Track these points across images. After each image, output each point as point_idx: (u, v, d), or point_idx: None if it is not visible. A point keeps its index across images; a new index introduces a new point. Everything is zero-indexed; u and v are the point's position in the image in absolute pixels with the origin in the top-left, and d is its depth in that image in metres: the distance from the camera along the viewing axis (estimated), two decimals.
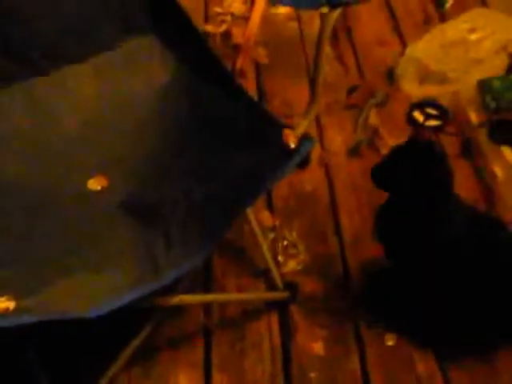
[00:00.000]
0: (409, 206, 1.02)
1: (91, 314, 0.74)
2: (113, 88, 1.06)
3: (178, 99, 1.05)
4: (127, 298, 0.77)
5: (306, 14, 1.82)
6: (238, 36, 1.73)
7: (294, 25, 1.79)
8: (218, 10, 1.83)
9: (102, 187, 0.96)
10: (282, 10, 1.83)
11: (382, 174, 1.04)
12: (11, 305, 0.71)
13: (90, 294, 0.78)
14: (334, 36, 1.75)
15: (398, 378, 1.09)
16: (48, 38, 1.00)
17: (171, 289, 0.97)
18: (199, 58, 1.07)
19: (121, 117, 1.04)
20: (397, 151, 1.02)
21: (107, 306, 0.75)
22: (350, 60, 1.68)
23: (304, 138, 0.86)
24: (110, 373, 1.02)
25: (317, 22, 1.77)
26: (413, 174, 0.98)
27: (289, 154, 0.86)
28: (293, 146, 0.87)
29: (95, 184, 0.97)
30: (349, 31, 1.77)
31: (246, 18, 1.78)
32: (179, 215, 0.89)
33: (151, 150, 1.01)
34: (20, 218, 0.87)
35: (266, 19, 1.77)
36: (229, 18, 1.81)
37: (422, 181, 0.98)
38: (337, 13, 0.81)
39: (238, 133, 0.95)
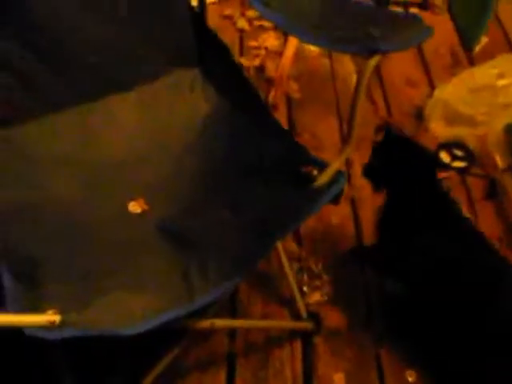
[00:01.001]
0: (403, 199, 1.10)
1: (129, 332, 0.77)
2: (156, 116, 1.11)
3: (218, 131, 1.10)
4: (164, 318, 0.80)
5: (337, 52, 1.88)
6: (271, 70, 1.79)
7: (326, 61, 1.85)
8: (253, 44, 1.90)
9: (143, 210, 1.00)
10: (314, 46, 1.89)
11: (371, 172, 1.15)
12: (57, 318, 0.75)
13: (128, 312, 0.81)
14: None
15: None
16: (98, 66, 1.06)
17: (201, 312, 1.00)
18: (239, 92, 1.12)
19: (162, 144, 1.08)
20: (377, 147, 1.14)
21: (144, 326, 0.78)
22: (379, 98, 1.72)
23: (338, 176, 0.90)
24: None
25: (347, 60, 1.86)
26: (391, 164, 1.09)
27: (322, 190, 0.90)
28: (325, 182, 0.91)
29: (136, 206, 1.01)
30: (378, 70, 1.82)
31: (279, 53, 1.85)
32: (214, 242, 0.92)
33: (190, 179, 1.05)
34: (67, 236, 0.92)
35: (299, 55, 1.84)
36: (263, 52, 1.88)
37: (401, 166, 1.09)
38: (375, 60, 0.85)
39: (275, 168, 0.99)
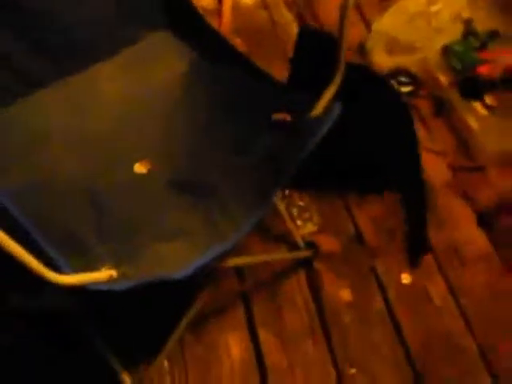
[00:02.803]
0: None
1: (181, 274, 0.83)
2: (137, 80, 1.14)
3: (200, 83, 1.14)
4: (208, 257, 0.87)
5: (272, 2, 1.94)
6: None
7: (263, 12, 1.91)
8: None
9: (149, 170, 1.04)
10: None
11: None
12: (114, 273, 0.80)
13: (173, 259, 0.87)
14: (302, 20, 1.89)
15: (418, 309, 1.25)
16: (79, 38, 1.07)
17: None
18: (212, 46, 1.16)
19: (150, 105, 1.11)
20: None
21: (193, 267, 0.85)
22: None
23: (332, 104, 0.98)
24: (170, 343, 1.10)
25: (284, 9, 1.93)
26: None
27: (320, 119, 0.98)
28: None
29: (141, 167, 1.04)
30: (316, 16, 1.90)
31: (215, 11, 1.89)
32: (229, 184, 0.99)
33: (185, 132, 1.09)
34: (88, 204, 0.95)
35: (235, 10, 1.88)
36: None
37: None
38: None
39: (267, 106, 1.06)
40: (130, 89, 1.12)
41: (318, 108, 0.99)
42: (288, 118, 1.02)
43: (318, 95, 1.00)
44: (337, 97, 1.00)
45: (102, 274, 0.78)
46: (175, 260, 0.88)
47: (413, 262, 1.30)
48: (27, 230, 0.86)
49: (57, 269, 0.78)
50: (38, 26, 1.04)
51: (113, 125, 1.08)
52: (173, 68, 1.16)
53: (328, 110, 0.99)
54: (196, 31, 1.17)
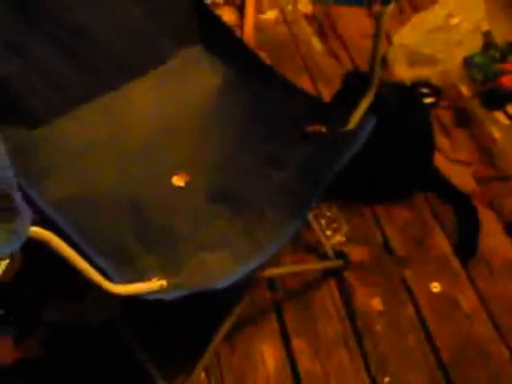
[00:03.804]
0: None
1: (223, 284, 0.86)
2: (171, 96, 1.17)
3: (233, 97, 1.17)
4: (249, 267, 0.89)
5: (291, 17, 1.98)
6: None
7: (284, 28, 1.95)
8: None
9: (186, 182, 1.07)
10: (271, 15, 1.98)
11: None
12: (164, 283, 0.82)
13: (216, 268, 0.89)
14: (323, 33, 1.92)
15: (448, 316, 1.26)
16: (115, 55, 1.10)
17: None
18: (243, 60, 1.19)
19: (185, 120, 1.14)
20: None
21: (234, 277, 0.87)
22: (342, 54, 1.85)
23: (367, 116, 1.01)
24: (207, 354, 1.12)
25: (304, 24, 1.97)
26: None
27: (356, 131, 1.01)
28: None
29: (179, 180, 1.07)
30: (335, 29, 1.94)
31: (238, 26, 1.93)
32: (266, 197, 1.01)
33: (220, 145, 1.12)
34: (130, 216, 0.97)
35: (256, 26, 1.93)
36: None
37: None
38: (390, 8, 0.96)
39: (301, 119, 1.08)
40: (164, 104, 1.16)
41: (353, 121, 1.02)
42: (323, 129, 1.04)
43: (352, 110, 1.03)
44: (371, 111, 1.03)
45: (154, 284, 0.81)
46: (219, 269, 0.90)
47: (464, 263, 1.35)
48: (75, 241, 0.89)
49: (107, 279, 0.81)
50: (76, 41, 1.08)
51: (150, 139, 1.11)
52: (206, 83, 1.19)
53: (362, 123, 1.01)
54: (227, 46, 1.21)
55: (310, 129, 1.06)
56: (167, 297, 0.80)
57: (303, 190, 0.99)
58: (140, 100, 1.15)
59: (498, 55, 1.65)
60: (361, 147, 0.98)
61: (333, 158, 0.99)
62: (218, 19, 1.21)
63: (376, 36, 0.99)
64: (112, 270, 0.84)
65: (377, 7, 0.97)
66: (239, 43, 1.21)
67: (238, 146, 1.12)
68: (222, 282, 0.87)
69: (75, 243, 0.88)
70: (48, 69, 1.04)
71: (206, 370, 1.17)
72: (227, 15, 1.97)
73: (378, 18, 0.98)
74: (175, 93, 1.18)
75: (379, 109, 1.04)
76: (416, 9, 1.96)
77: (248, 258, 0.92)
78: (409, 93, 1.47)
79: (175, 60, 1.19)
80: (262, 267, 1.02)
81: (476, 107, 1.55)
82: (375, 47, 1.00)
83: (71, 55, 1.06)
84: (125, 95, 1.13)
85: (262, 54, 1.83)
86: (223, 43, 1.21)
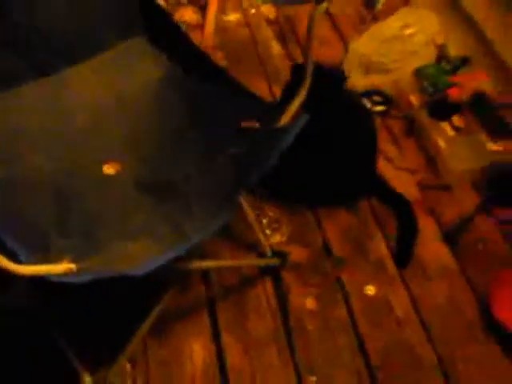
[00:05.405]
0: None
1: (138, 271, 0.85)
2: (111, 84, 1.17)
3: (173, 92, 1.18)
4: (168, 255, 0.89)
5: (254, 20, 2.00)
6: (195, 42, 1.87)
7: (245, 30, 1.96)
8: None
9: (117, 171, 1.07)
10: (232, 17, 1.99)
11: None
12: (73, 266, 0.82)
13: (133, 256, 0.89)
14: (283, 38, 1.94)
15: (380, 320, 1.27)
16: (53, 40, 1.10)
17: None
18: (187, 56, 1.20)
19: (123, 110, 1.15)
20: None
21: (151, 265, 0.86)
22: (300, 58, 1.86)
23: (299, 115, 1.02)
24: (132, 344, 1.11)
25: (265, 27, 1.98)
26: None
27: (287, 128, 1.02)
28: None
29: (110, 169, 1.07)
30: (296, 35, 1.96)
31: (199, 26, 1.94)
32: (193, 187, 1.01)
33: (154, 136, 1.12)
34: (57, 201, 0.97)
35: (218, 26, 1.94)
36: (183, 26, 1.95)
37: None
38: (323, 7, 0.98)
39: (237, 115, 1.09)
40: (103, 92, 1.16)
41: (285, 118, 1.03)
42: (256, 125, 1.05)
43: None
44: (306, 109, 1.04)
45: (61, 266, 0.80)
46: (137, 257, 0.90)
47: (400, 268, 1.36)
48: None
49: (18, 261, 0.80)
50: (13, 23, 1.07)
51: (84, 126, 1.11)
52: (147, 74, 1.20)
53: (294, 120, 1.02)
54: (172, 41, 1.21)
55: (244, 124, 1.07)
56: (74, 280, 0.80)
57: (230, 183, 1.00)
58: (78, 86, 1.15)
59: (449, 67, 1.68)
60: (291, 143, 0.99)
61: (261, 153, 1.00)
62: (164, 13, 1.22)
63: (308, 34, 1.00)
64: (21, 250, 0.83)
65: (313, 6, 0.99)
66: (184, 38, 1.22)
67: (173, 138, 1.12)
68: (142, 268, 0.86)
69: None
70: None
71: (132, 362, 1.16)
72: (189, 14, 1.98)
73: (310, 17, 1.00)
74: (115, 82, 1.18)
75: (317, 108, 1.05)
76: (377, 19, 1.99)
77: (168, 247, 0.92)
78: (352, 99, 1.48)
79: (118, 49, 1.20)
80: (188, 258, 1.02)
81: (424, 117, 1.57)
82: (307, 46, 1.01)
83: (5, 34, 1.05)
84: (63, 80, 1.13)
85: (219, 54, 1.85)
86: (168, 37, 1.21)
